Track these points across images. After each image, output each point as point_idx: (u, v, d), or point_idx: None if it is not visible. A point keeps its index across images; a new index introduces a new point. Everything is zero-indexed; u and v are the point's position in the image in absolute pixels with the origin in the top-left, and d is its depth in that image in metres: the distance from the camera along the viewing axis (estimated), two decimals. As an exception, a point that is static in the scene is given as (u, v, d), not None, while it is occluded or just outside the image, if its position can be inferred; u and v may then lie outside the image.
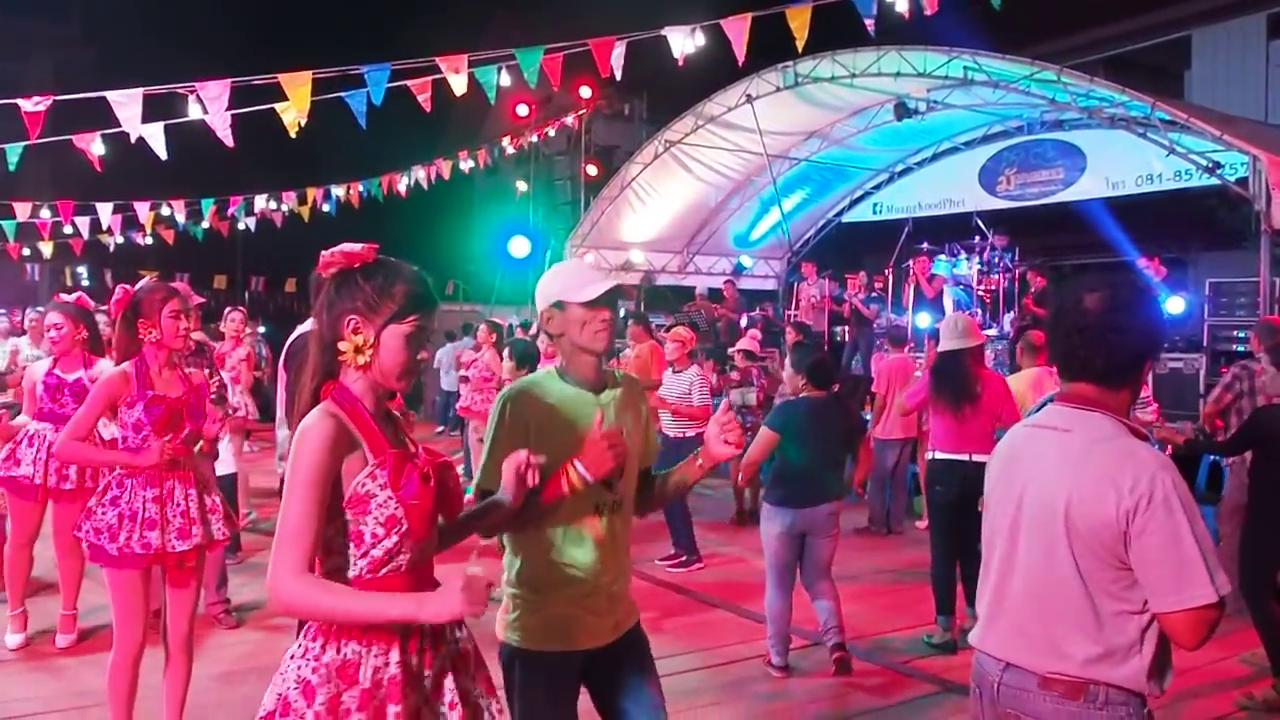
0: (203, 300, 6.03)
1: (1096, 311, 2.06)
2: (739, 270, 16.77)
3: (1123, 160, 12.03)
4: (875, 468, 8.41)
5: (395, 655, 1.89)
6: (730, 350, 9.41)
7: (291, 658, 1.93)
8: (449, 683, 1.97)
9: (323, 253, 2.01)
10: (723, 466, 8.84)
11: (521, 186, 21.31)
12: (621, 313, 14.10)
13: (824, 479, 4.98)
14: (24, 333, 9.54)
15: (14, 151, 7.25)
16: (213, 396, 5.08)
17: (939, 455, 5.51)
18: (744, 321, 14.29)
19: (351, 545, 1.92)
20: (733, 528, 8.51)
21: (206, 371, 5.42)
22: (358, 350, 1.96)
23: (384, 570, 1.93)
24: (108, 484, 3.57)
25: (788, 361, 5.45)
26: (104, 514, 3.48)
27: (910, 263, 13.11)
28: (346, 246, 2.02)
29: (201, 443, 3.85)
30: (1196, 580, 1.89)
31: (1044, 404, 4.81)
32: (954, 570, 5.42)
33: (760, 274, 17.29)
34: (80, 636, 5.11)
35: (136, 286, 3.73)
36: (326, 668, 1.87)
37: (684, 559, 7.07)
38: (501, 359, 7.46)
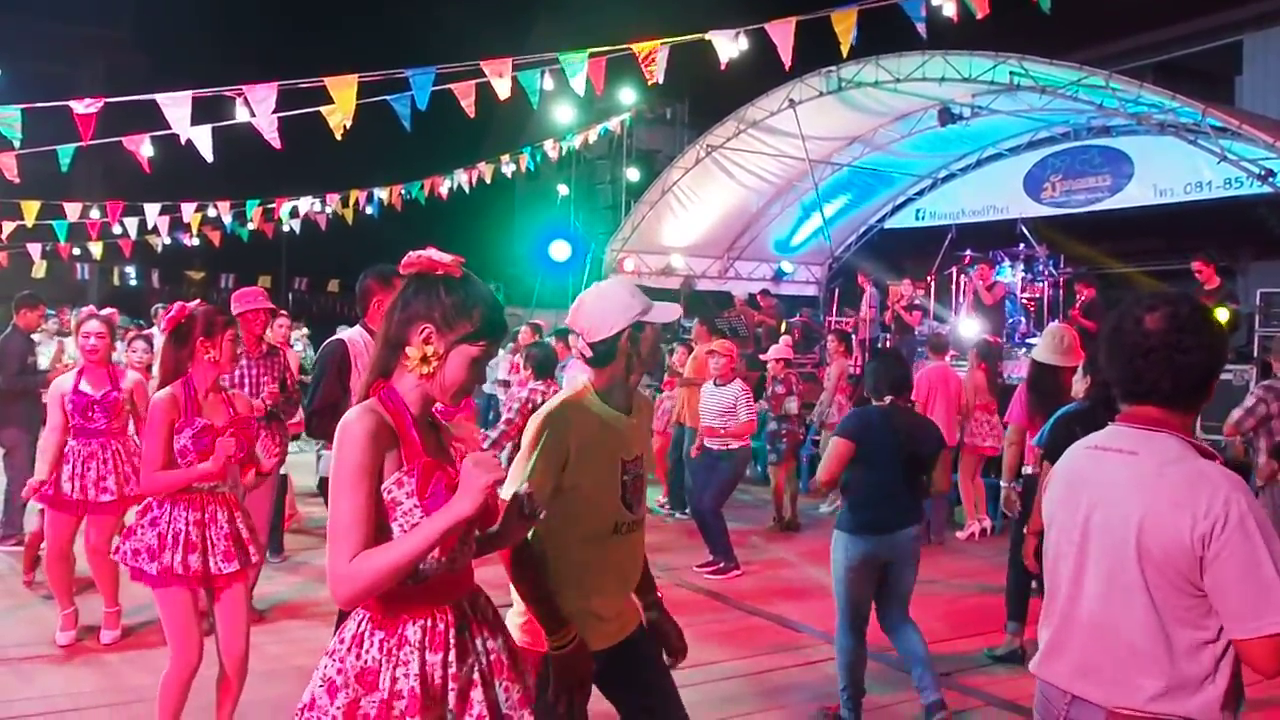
0: (273, 308, 6.05)
1: (1159, 332, 1.99)
2: (779, 276, 16.68)
3: (1171, 167, 11.85)
4: None
5: (414, 667, 1.88)
6: (764, 358, 9.33)
7: (327, 654, 1.95)
8: (476, 694, 1.93)
9: (410, 252, 2.01)
10: (761, 470, 8.77)
11: (563, 190, 21.38)
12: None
13: (906, 498, 4.39)
14: (69, 333, 9.70)
15: (66, 154, 7.38)
16: (268, 409, 5.11)
17: (1034, 471, 5.30)
18: (783, 328, 14.20)
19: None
20: (771, 535, 8.46)
21: (276, 376, 5.47)
22: (424, 360, 1.95)
23: (408, 580, 1.90)
24: (148, 504, 3.56)
25: (868, 370, 5.00)
26: (143, 534, 3.47)
27: (954, 269, 12.95)
28: (433, 252, 2.01)
29: (253, 474, 3.75)
30: (1276, 605, 1.82)
31: (1053, 421, 4.78)
32: (1029, 581, 5.29)
33: (801, 279, 17.20)
34: (124, 633, 5.19)
35: (194, 306, 3.68)
36: (348, 672, 1.89)
37: (721, 565, 7.02)
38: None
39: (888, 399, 4.44)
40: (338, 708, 1.86)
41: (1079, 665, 2.04)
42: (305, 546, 7.33)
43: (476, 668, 1.95)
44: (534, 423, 2.48)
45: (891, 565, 4.35)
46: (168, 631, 3.51)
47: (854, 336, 13.87)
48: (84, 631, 5.19)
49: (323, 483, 4.17)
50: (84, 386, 5.02)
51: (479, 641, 1.98)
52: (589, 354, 2.52)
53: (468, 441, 2.33)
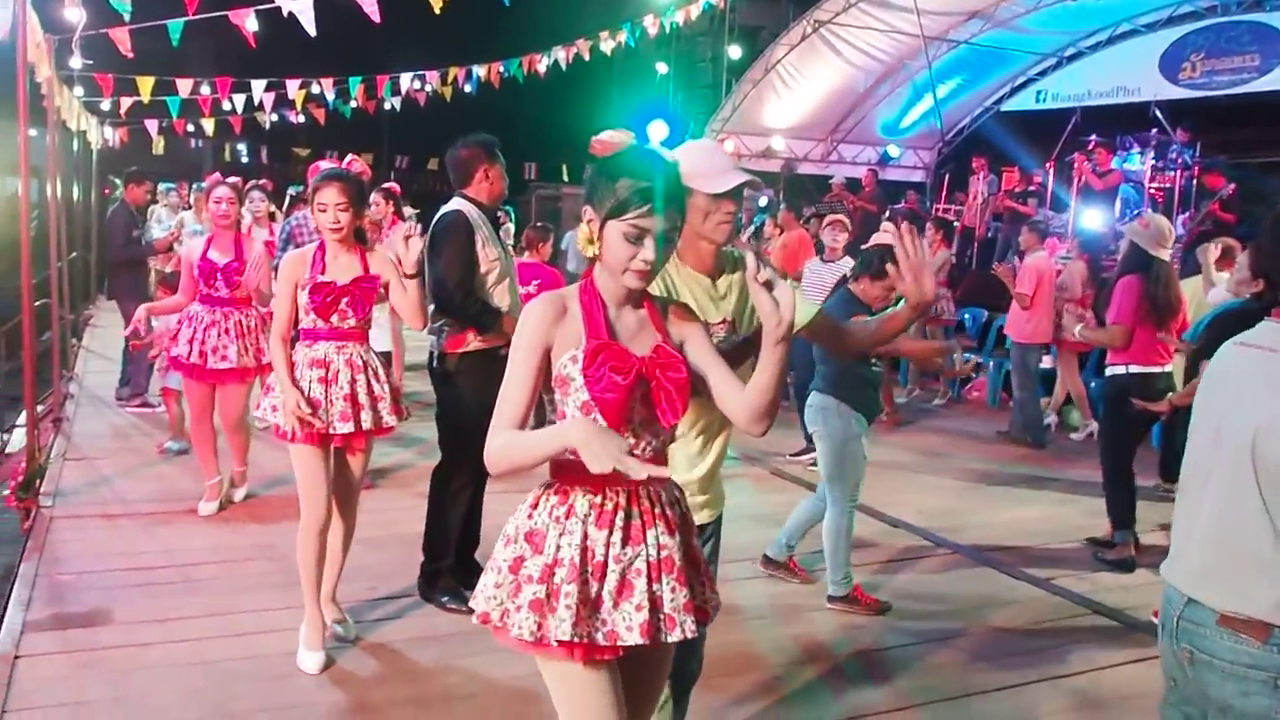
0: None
1: None
2: (885, 160, 16.11)
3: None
4: (1022, 374, 8.15)
5: (577, 538, 1.92)
6: (864, 247, 9.11)
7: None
8: (640, 584, 1.93)
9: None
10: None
11: (662, 69, 20.86)
12: (764, 201, 13.81)
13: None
14: (189, 207, 10.01)
15: (175, 28, 7.44)
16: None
17: (1137, 369, 5.07)
18: (887, 214, 13.79)
19: (559, 420, 1.99)
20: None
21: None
22: (589, 241, 1.99)
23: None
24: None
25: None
26: (275, 392, 3.60)
27: (1075, 157, 12.29)
28: (607, 134, 2.02)
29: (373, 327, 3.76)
30: None
31: (1211, 317, 4.48)
32: (1131, 487, 5.19)
33: (908, 164, 16.60)
34: (247, 497, 5.48)
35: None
36: (520, 529, 1.99)
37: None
38: None
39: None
40: (504, 559, 1.98)
41: (1198, 568, 1.98)
42: (413, 418, 7.57)
43: (644, 558, 1.95)
44: None
45: None
46: (298, 484, 3.64)
47: (956, 225, 13.43)
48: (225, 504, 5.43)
49: (435, 357, 4.23)
50: (211, 254, 5.13)
51: (651, 533, 1.97)
52: None
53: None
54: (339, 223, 3.53)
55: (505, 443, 1.90)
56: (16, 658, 3.53)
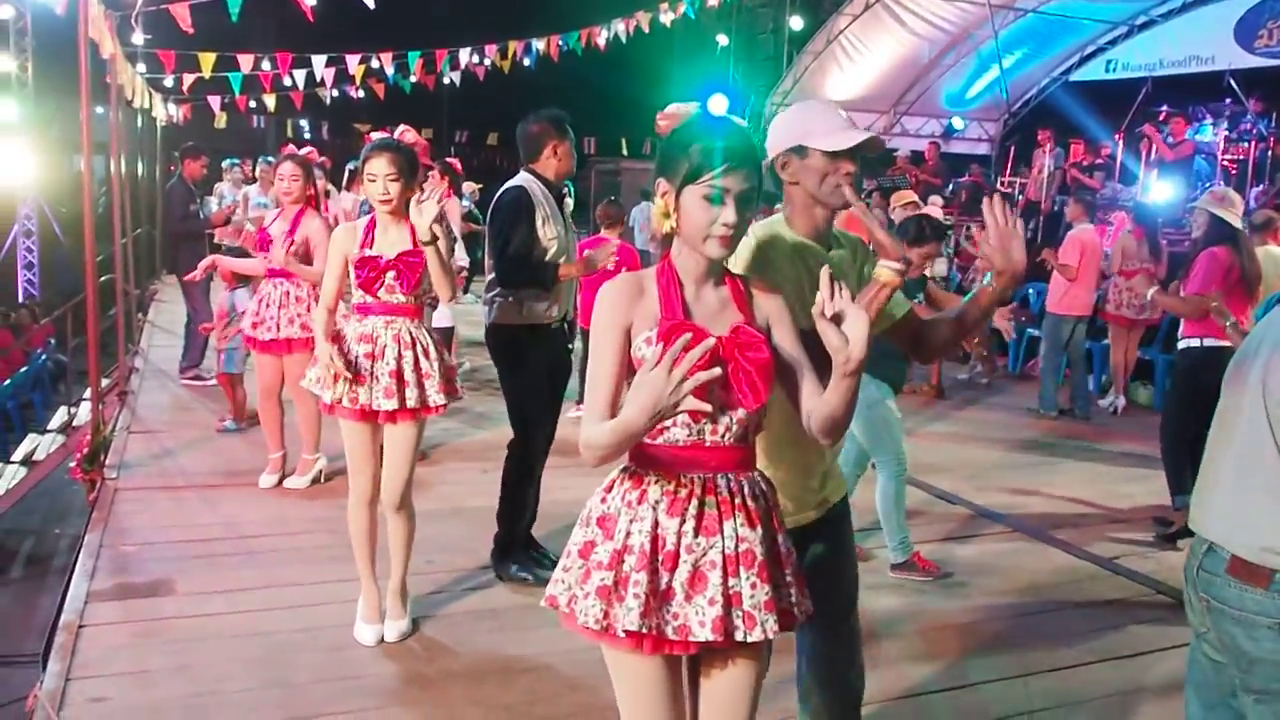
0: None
1: None
2: (950, 132, 15.79)
3: None
4: (1049, 345, 8.07)
5: (647, 525, 1.85)
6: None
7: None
8: (714, 577, 1.83)
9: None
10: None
11: (722, 40, 20.61)
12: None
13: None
14: (254, 181, 10.12)
15: (235, 4, 7.50)
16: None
17: (1212, 343, 4.89)
18: (950, 187, 13.51)
19: None
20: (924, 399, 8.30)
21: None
22: (665, 215, 1.89)
23: (660, 439, 1.88)
24: (338, 334, 3.60)
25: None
26: (319, 365, 3.56)
27: (1144, 128, 11.90)
28: (672, 108, 1.94)
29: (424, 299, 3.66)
30: None
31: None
32: (1186, 452, 5.07)
33: (973, 136, 16.25)
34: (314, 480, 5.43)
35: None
36: (590, 513, 1.94)
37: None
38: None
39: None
40: (575, 543, 1.93)
41: (1216, 513, 1.99)
42: (471, 394, 7.63)
43: (720, 550, 1.85)
44: (746, 247, 2.24)
45: None
46: (347, 459, 3.65)
47: (1020, 198, 13.10)
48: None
49: (488, 331, 4.20)
50: (271, 226, 5.18)
51: (729, 525, 1.87)
52: (781, 176, 2.29)
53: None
54: (389, 193, 3.47)
55: (590, 431, 1.80)
56: (81, 626, 3.60)
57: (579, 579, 1.88)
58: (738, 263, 2.20)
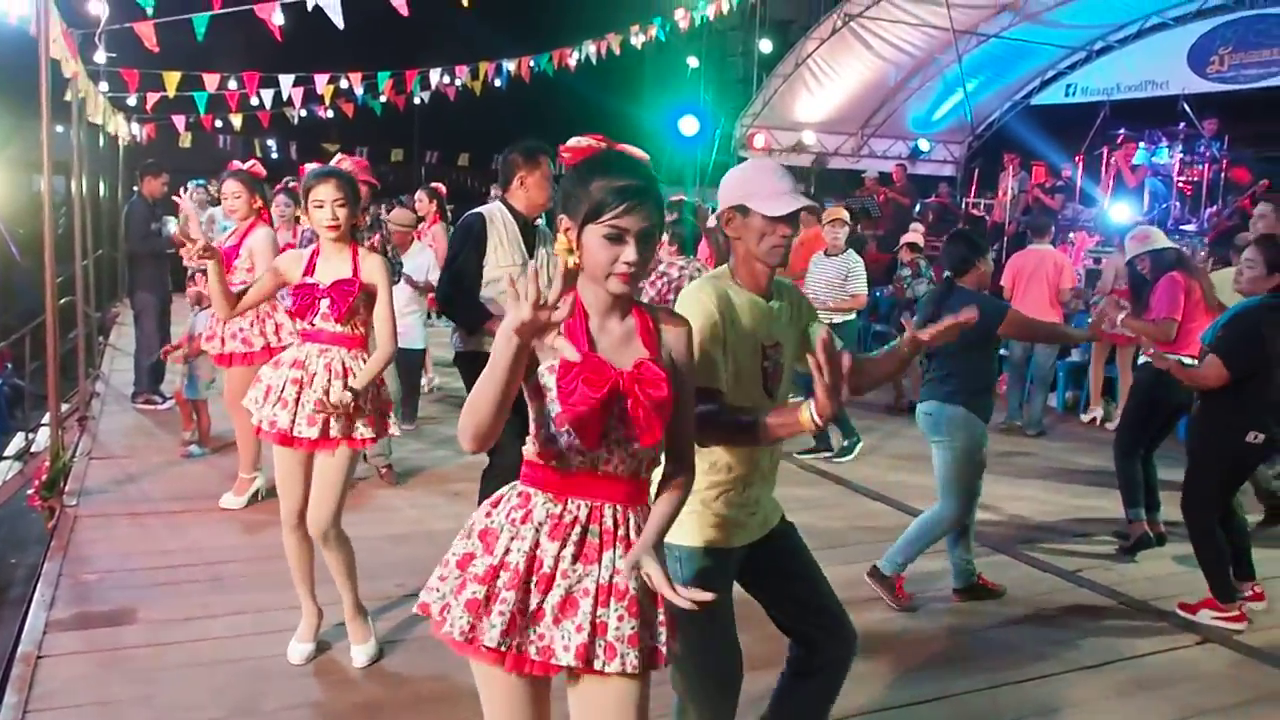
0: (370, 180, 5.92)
1: None
2: (916, 154, 15.97)
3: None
4: (1010, 363, 8.42)
5: (527, 545, 1.85)
6: (899, 246, 9.10)
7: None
8: (585, 605, 1.84)
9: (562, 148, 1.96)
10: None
11: (693, 63, 20.76)
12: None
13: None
14: (219, 202, 10.00)
15: (201, 22, 7.44)
16: None
17: (1173, 358, 4.80)
18: (918, 208, 13.66)
19: (533, 425, 1.92)
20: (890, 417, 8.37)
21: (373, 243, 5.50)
22: (568, 250, 1.89)
23: (553, 462, 1.88)
24: (277, 359, 3.59)
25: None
26: (257, 385, 3.53)
27: (1105, 150, 12.13)
28: (574, 141, 1.93)
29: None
30: None
31: (1229, 316, 4.37)
32: (1137, 469, 5.22)
33: (938, 158, 16.45)
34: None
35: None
36: (474, 525, 1.94)
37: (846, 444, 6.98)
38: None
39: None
40: (455, 553, 1.93)
41: None
42: (438, 415, 7.57)
43: (595, 579, 1.86)
44: (694, 298, 2.31)
45: None
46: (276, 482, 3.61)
47: (987, 219, 13.29)
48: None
49: (457, 356, 4.19)
50: (226, 240, 5.19)
51: (608, 555, 1.88)
52: (725, 231, 2.40)
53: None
54: (337, 219, 3.40)
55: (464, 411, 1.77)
56: (39, 658, 3.51)
57: (454, 589, 1.89)
58: (690, 292, 2.33)
